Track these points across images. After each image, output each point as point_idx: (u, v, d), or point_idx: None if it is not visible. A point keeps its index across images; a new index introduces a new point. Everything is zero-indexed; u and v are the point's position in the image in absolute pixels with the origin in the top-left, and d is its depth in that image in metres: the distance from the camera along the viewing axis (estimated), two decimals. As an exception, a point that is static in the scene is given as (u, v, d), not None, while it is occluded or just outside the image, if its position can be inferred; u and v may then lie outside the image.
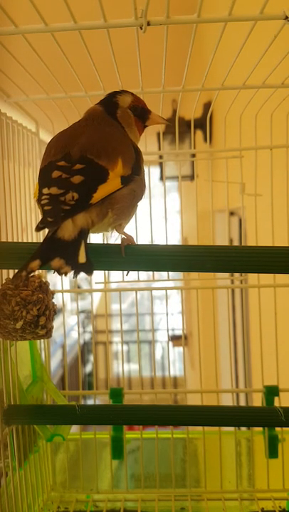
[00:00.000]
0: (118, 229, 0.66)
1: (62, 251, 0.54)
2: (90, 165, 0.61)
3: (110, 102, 0.73)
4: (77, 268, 0.53)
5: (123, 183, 0.63)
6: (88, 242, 0.62)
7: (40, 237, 0.97)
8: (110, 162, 0.63)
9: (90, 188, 0.59)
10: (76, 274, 0.53)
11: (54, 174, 0.61)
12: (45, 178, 0.61)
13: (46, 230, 0.58)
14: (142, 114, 0.75)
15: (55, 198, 0.58)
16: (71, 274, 0.53)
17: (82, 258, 0.54)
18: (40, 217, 0.97)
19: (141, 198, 0.69)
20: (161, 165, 2.87)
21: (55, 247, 0.54)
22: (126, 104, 0.74)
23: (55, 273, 0.53)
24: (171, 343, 3.70)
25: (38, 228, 0.57)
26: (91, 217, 0.59)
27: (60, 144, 0.65)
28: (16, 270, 0.76)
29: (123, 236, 0.65)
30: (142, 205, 0.69)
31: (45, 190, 0.59)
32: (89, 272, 0.54)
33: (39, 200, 0.59)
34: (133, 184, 0.66)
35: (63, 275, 0.53)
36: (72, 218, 0.56)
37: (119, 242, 0.64)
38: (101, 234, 0.69)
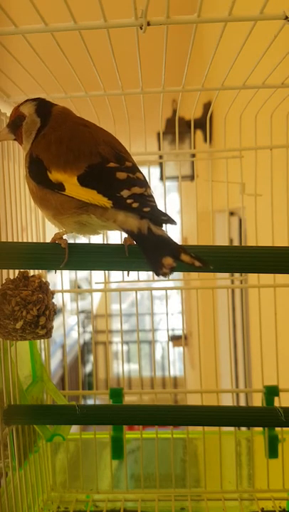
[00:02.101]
0: None
1: (178, 246, 0.53)
2: (133, 163, 0.63)
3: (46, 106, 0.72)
4: (201, 261, 0.52)
5: None
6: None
7: (40, 236, 0.98)
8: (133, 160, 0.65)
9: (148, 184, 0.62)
10: (205, 268, 0.52)
11: (120, 176, 0.60)
12: (109, 182, 0.59)
13: (48, 232, 0.58)
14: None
15: (142, 197, 0.58)
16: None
17: (192, 253, 0.53)
18: (41, 218, 0.97)
19: None
20: (161, 165, 2.87)
21: (168, 243, 0.54)
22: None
23: (188, 267, 0.52)
24: (171, 343, 3.70)
25: (164, 221, 0.56)
26: None
27: (85, 145, 0.64)
28: (17, 270, 0.77)
29: (126, 236, 0.65)
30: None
31: (126, 193, 0.57)
32: (209, 265, 0.53)
33: (120, 205, 0.57)
34: None
35: (196, 270, 0.54)
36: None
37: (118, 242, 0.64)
38: (101, 234, 0.69)
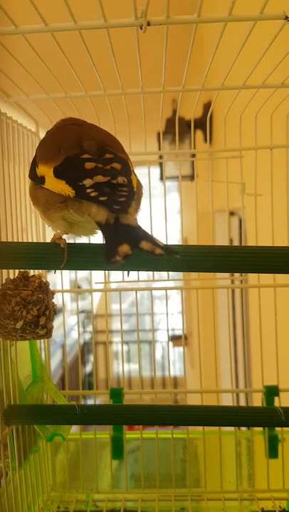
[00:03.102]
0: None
1: (142, 235, 0.52)
2: (116, 156, 0.61)
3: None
4: (164, 248, 0.52)
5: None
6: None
7: (40, 236, 0.98)
8: (126, 156, 0.64)
9: (128, 175, 0.59)
10: (166, 255, 0.52)
11: (88, 166, 0.59)
12: (76, 172, 0.59)
13: (48, 232, 0.58)
14: None
15: (105, 186, 0.56)
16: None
17: (159, 242, 0.52)
18: (40, 218, 0.97)
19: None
20: (161, 165, 2.87)
21: (133, 230, 0.53)
22: None
23: (149, 253, 0.51)
24: (171, 343, 3.70)
25: (116, 210, 0.54)
26: (133, 205, 0.59)
27: (69, 140, 0.64)
28: (17, 270, 0.77)
29: None
30: (142, 205, 0.69)
31: (88, 182, 0.56)
32: (177, 253, 0.53)
33: (81, 194, 0.56)
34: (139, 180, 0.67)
35: (157, 256, 0.51)
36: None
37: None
38: (93, 235, 0.69)
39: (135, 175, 0.66)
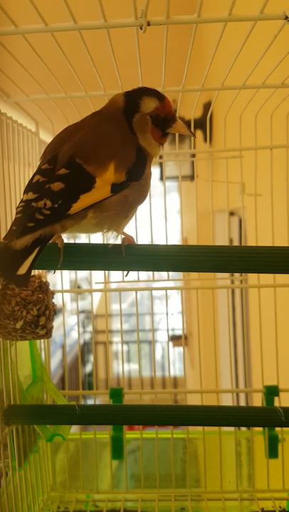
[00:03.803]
0: (117, 230, 0.64)
1: (8, 258, 0.52)
2: (76, 171, 0.57)
3: (133, 102, 0.66)
4: (10, 278, 0.52)
5: (113, 190, 0.59)
6: (64, 243, 0.61)
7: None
8: (100, 168, 0.58)
9: (70, 196, 0.55)
10: (6, 282, 0.53)
11: (35, 179, 0.58)
12: (28, 184, 0.59)
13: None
14: (163, 123, 0.67)
15: (27, 205, 0.55)
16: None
17: (23, 269, 0.51)
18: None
19: (139, 203, 0.65)
20: (161, 165, 2.87)
21: (5, 253, 0.53)
22: (147, 110, 0.66)
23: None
24: (171, 343, 3.70)
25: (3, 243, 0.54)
26: (61, 223, 0.56)
27: (54, 144, 0.63)
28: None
29: (123, 236, 0.64)
30: (142, 205, 0.68)
31: (24, 196, 0.56)
32: (19, 284, 0.53)
33: (17, 208, 0.56)
34: (127, 191, 0.62)
35: None
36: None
37: (118, 242, 0.64)
38: (101, 234, 0.68)
39: (124, 183, 0.61)
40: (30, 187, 0.58)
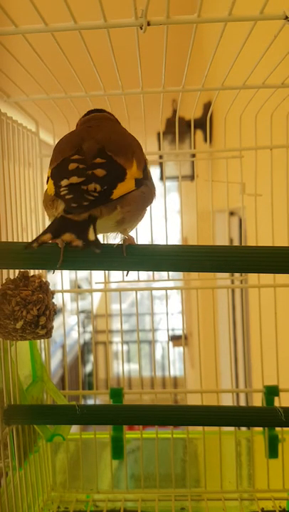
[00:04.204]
0: (132, 227, 0.66)
1: (73, 228, 0.54)
2: (110, 161, 0.61)
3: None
4: (88, 242, 0.53)
5: (136, 185, 0.63)
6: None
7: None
8: (127, 162, 0.63)
9: (111, 183, 0.59)
10: (85, 247, 0.54)
11: (70, 167, 0.60)
12: (61, 172, 0.60)
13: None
14: None
15: (75, 187, 0.57)
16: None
17: (91, 236, 0.54)
18: (41, 218, 0.97)
19: (151, 202, 0.68)
20: (161, 165, 2.87)
21: (66, 224, 0.55)
22: None
23: (69, 246, 0.54)
24: (171, 343, 3.71)
25: (66, 212, 0.55)
26: (101, 210, 0.59)
27: (74, 142, 0.65)
28: (17, 270, 0.77)
29: (124, 236, 0.65)
30: (148, 207, 0.69)
31: (64, 182, 0.58)
32: (98, 248, 0.54)
33: (57, 194, 0.58)
34: (144, 187, 0.65)
35: (74, 248, 0.54)
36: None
37: (118, 242, 0.64)
38: (101, 234, 0.69)
39: (142, 180, 0.65)
40: (69, 172, 0.59)
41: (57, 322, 0.80)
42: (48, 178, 0.64)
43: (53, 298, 0.77)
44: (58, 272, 0.71)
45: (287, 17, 0.54)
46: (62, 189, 0.58)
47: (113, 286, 1.03)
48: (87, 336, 5.99)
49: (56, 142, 0.69)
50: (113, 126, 0.72)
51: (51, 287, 0.78)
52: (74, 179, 0.58)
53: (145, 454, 1.01)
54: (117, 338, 6.06)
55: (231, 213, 2.34)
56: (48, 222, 0.69)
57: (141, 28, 0.54)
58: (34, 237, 0.56)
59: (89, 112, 0.77)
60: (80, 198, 0.56)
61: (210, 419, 0.83)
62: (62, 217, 0.55)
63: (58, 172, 0.61)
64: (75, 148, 0.63)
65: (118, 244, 0.63)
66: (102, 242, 0.86)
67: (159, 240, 0.96)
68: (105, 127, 0.70)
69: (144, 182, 0.66)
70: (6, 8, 0.52)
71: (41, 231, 0.96)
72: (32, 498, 0.90)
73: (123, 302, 1.00)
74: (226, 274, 1.01)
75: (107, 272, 0.98)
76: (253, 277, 1.01)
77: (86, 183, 0.58)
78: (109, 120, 0.74)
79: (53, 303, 0.77)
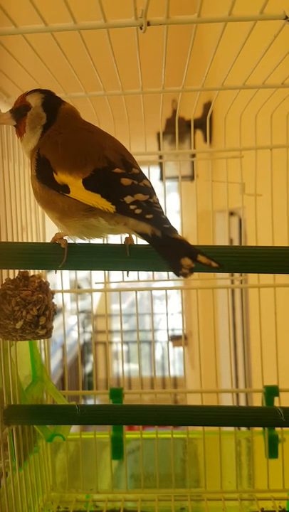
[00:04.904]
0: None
1: (196, 249, 0.54)
2: (139, 169, 0.64)
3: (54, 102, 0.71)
4: (213, 260, 0.53)
5: None
6: None
7: (40, 236, 0.98)
8: (138, 168, 0.65)
9: (155, 191, 0.62)
10: (222, 269, 0.54)
11: (125, 182, 0.60)
12: (113, 187, 0.59)
13: (48, 231, 0.58)
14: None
15: (147, 204, 0.58)
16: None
17: (201, 257, 0.54)
18: (41, 218, 0.97)
19: None
20: (161, 165, 2.87)
21: (185, 245, 0.55)
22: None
23: (205, 268, 0.53)
24: (171, 343, 3.70)
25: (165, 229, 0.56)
26: None
27: (91, 149, 0.64)
28: (17, 270, 0.77)
29: (127, 235, 0.65)
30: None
31: (128, 199, 0.58)
32: (221, 266, 0.54)
33: (123, 210, 0.57)
34: None
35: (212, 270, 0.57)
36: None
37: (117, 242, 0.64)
38: (105, 237, 0.69)
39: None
40: (128, 189, 0.59)
41: (57, 322, 0.80)
42: (66, 185, 0.62)
43: (52, 298, 0.77)
44: (58, 272, 0.71)
45: (287, 17, 0.54)
46: (132, 206, 0.57)
47: (113, 286, 1.03)
48: (87, 336, 5.98)
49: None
50: (106, 133, 0.70)
51: (51, 287, 0.78)
52: (140, 196, 0.58)
53: (145, 454, 1.01)
54: (117, 338, 6.06)
55: (231, 213, 2.34)
56: (48, 223, 0.69)
57: (141, 28, 0.54)
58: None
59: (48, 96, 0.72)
60: (157, 213, 0.57)
61: (210, 419, 0.83)
62: (174, 238, 0.55)
63: (104, 186, 0.60)
64: (101, 158, 0.62)
65: (121, 245, 0.64)
66: (102, 242, 0.86)
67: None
68: (100, 130, 0.70)
69: None
70: (6, 8, 0.52)
71: (41, 231, 0.97)
72: (32, 498, 0.90)
73: (123, 302, 1.00)
74: (226, 274, 1.01)
75: (107, 272, 0.98)
76: (253, 277, 1.01)
77: (150, 197, 0.59)
78: (95, 127, 0.72)
79: (53, 303, 0.77)
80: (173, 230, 0.56)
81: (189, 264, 0.52)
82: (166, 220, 0.57)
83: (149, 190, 0.61)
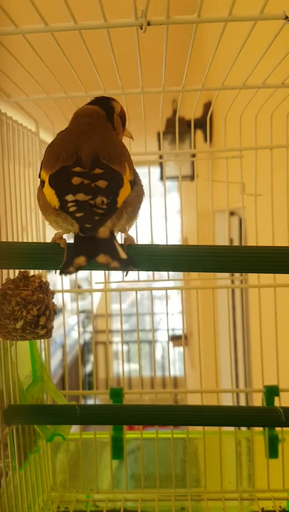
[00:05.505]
0: (124, 231, 0.67)
1: (104, 248, 0.54)
2: (108, 169, 0.62)
3: (108, 106, 0.75)
4: (123, 262, 0.53)
5: (131, 187, 0.65)
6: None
7: (40, 236, 0.98)
8: (121, 167, 0.64)
9: (113, 192, 0.60)
10: (122, 268, 0.54)
11: (74, 181, 0.60)
12: (64, 185, 0.61)
13: (48, 231, 0.58)
14: (124, 123, 0.79)
15: (84, 204, 0.57)
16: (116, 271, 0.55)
17: (122, 254, 0.54)
18: (41, 218, 0.97)
19: (143, 200, 0.70)
20: (161, 165, 2.87)
21: (97, 244, 0.54)
22: (118, 111, 0.77)
23: (104, 268, 0.53)
24: (171, 343, 3.71)
25: (80, 235, 0.55)
26: (113, 220, 0.60)
27: (69, 147, 0.65)
28: (17, 270, 0.77)
29: (125, 236, 0.65)
30: (142, 205, 0.70)
31: (70, 197, 0.58)
32: (134, 266, 0.55)
33: (63, 208, 0.58)
34: (136, 187, 0.67)
35: (112, 270, 0.54)
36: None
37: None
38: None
39: (134, 180, 0.66)
40: (74, 187, 0.60)
41: (57, 322, 0.80)
42: (44, 181, 0.64)
43: (53, 298, 0.77)
44: (58, 272, 0.71)
45: (287, 17, 0.54)
46: (69, 204, 0.58)
47: (113, 286, 1.04)
48: (87, 336, 5.98)
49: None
50: (100, 129, 0.71)
51: (51, 287, 0.78)
52: (81, 196, 0.58)
53: (145, 454, 1.01)
54: (117, 338, 6.06)
55: (231, 213, 2.34)
56: (47, 223, 0.69)
57: (141, 28, 0.54)
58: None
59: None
60: (91, 213, 0.56)
61: (210, 419, 0.83)
62: (89, 238, 0.55)
63: (59, 183, 0.61)
64: (72, 156, 0.63)
65: (120, 244, 0.63)
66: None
67: (159, 240, 0.96)
68: (95, 131, 0.70)
69: (135, 181, 0.67)
70: (6, 8, 0.52)
71: (41, 231, 0.97)
72: (32, 498, 0.90)
73: (123, 302, 1.00)
74: (226, 274, 1.01)
75: (107, 271, 0.98)
76: (253, 277, 1.01)
77: (93, 198, 0.58)
78: (96, 118, 0.73)
79: (53, 303, 0.77)
80: (96, 229, 0.55)
81: (80, 263, 0.52)
82: (95, 220, 0.56)
83: (96, 191, 0.59)
